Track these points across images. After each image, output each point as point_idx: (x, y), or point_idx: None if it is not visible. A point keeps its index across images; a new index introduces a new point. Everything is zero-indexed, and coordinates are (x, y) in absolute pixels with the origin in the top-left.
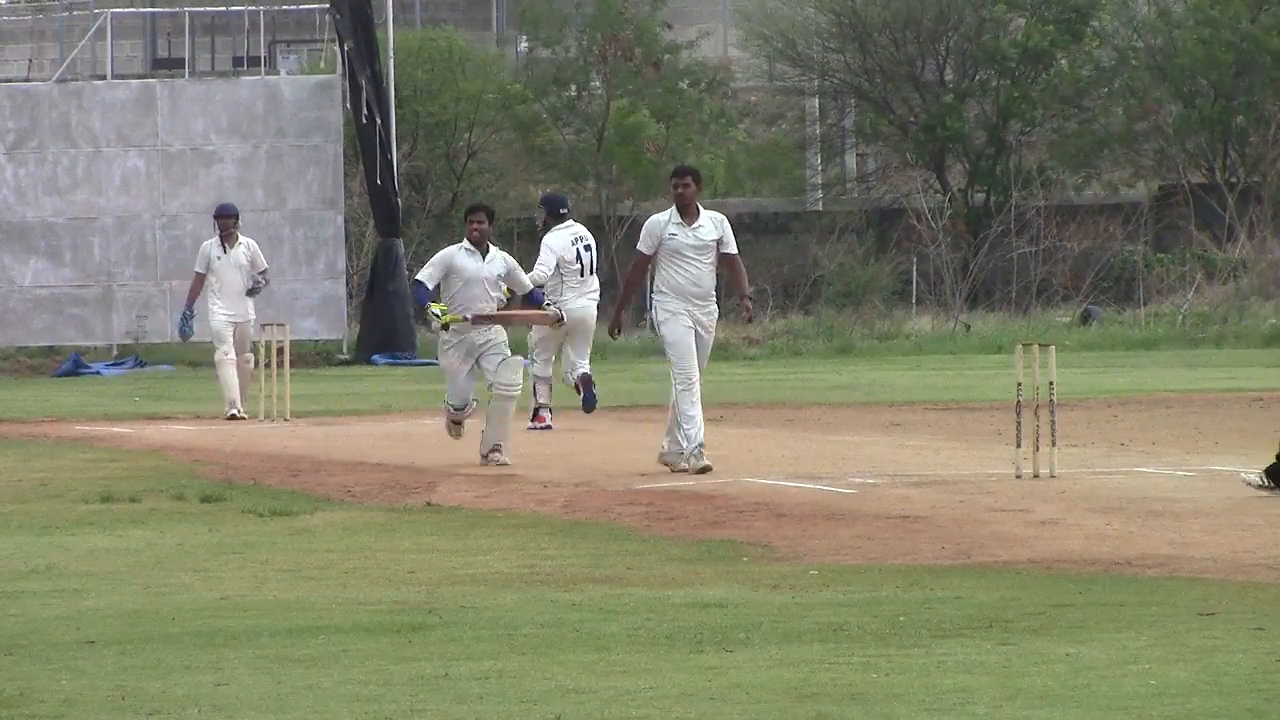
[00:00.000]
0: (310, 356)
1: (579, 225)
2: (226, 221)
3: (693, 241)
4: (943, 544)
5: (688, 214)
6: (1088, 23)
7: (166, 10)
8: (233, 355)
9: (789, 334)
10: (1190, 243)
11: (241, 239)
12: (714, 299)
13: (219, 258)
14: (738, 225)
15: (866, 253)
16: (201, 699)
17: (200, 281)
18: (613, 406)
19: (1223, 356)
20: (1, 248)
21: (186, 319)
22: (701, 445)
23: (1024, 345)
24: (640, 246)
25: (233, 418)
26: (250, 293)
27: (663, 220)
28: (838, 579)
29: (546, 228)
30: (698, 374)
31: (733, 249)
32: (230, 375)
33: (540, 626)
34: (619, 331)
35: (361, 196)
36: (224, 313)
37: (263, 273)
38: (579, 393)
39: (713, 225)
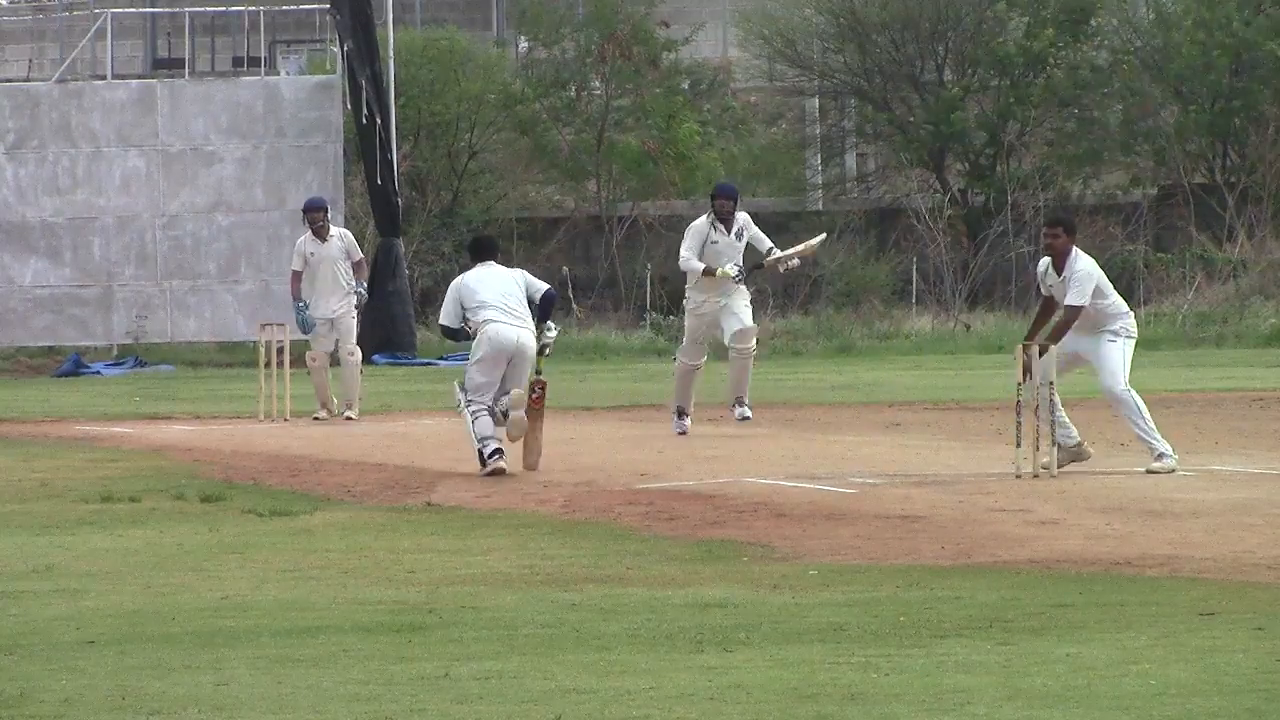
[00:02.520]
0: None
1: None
2: (316, 215)
3: None
4: (943, 544)
5: None
6: (1087, 21)
7: (166, 10)
8: (325, 359)
9: (789, 334)
10: (1190, 243)
11: (334, 230)
12: None
13: (313, 253)
14: None
15: (867, 253)
16: (201, 699)
17: (298, 279)
18: (613, 406)
19: (1223, 356)
20: (1, 248)
21: (301, 311)
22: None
23: (1024, 345)
24: None
25: (318, 419)
26: (356, 305)
27: None
28: (838, 579)
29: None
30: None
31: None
32: (322, 379)
33: (540, 626)
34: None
35: (361, 196)
36: (319, 312)
37: (357, 264)
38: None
39: None
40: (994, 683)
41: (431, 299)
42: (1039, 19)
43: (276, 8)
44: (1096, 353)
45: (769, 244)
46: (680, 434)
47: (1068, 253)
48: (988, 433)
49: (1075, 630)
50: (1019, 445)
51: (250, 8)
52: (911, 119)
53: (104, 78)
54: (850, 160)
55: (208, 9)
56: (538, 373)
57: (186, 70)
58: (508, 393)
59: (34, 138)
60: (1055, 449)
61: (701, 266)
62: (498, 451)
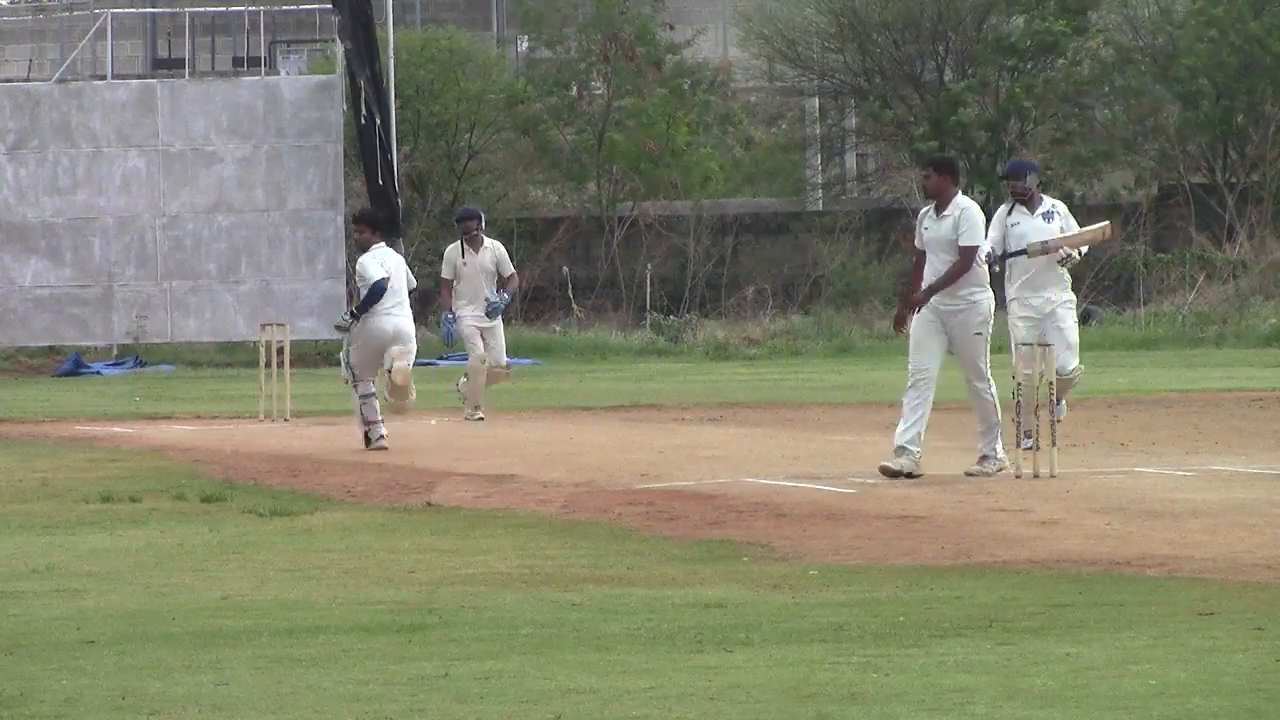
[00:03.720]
0: (310, 356)
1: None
2: (469, 224)
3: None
4: (943, 544)
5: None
6: (1085, 13)
7: (166, 10)
8: (488, 363)
9: (789, 334)
10: (1190, 243)
11: (487, 241)
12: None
13: (464, 263)
14: (738, 225)
15: (867, 253)
16: (201, 699)
17: (449, 289)
18: (613, 406)
19: (1223, 356)
20: (1, 248)
21: (449, 322)
22: (901, 448)
23: (1024, 345)
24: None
25: (468, 420)
26: (489, 313)
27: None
28: (838, 579)
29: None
30: (927, 373)
31: (967, 241)
32: (480, 382)
33: (540, 626)
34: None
35: (362, 196)
36: (472, 320)
37: (508, 280)
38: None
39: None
40: (994, 683)
41: (431, 299)
42: (1042, 15)
43: (276, 8)
44: (964, 341)
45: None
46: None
47: (950, 196)
48: None
49: (1075, 630)
50: (1019, 445)
51: (250, 8)
52: (912, 118)
53: (104, 78)
54: (850, 160)
55: (208, 9)
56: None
57: (186, 70)
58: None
59: (34, 138)
60: (1054, 449)
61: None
62: (382, 436)
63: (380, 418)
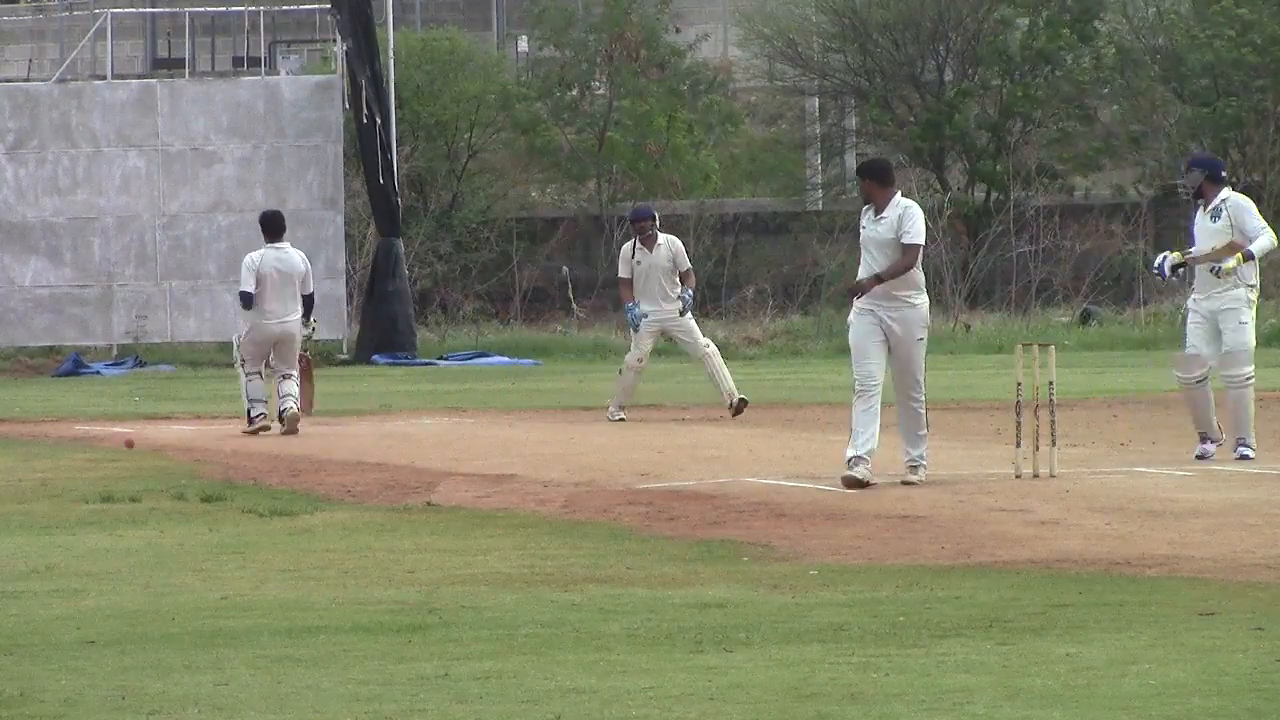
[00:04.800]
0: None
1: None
2: (644, 224)
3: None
4: (943, 544)
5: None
6: (1092, 21)
7: (166, 10)
8: (644, 363)
9: (789, 334)
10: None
11: (661, 238)
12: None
13: (639, 261)
14: (738, 225)
15: None
16: (201, 699)
17: (627, 285)
18: None
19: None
20: (1, 248)
21: (631, 309)
22: (858, 457)
23: (1024, 345)
24: None
25: (610, 420)
26: (681, 312)
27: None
28: (838, 579)
29: None
30: (874, 380)
31: (911, 239)
32: (631, 380)
33: (540, 626)
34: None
35: (361, 196)
36: (653, 316)
37: (685, 273)
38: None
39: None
40: (994, 683)
41: (431, 300)
42: (1047, 20)
43: (276, 8)
44: (906, 347)
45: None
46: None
47: (889, 197)
48: (988, 433)
49: (1075, 630)
50: (1019, 445)
51: (250, 8)
52: (912, 119)
53: (104, 78)
54: (850, 160)
55: (208, 9)
56: (305, 351)
57: (186, 70)
58: (287, 376)
59: (34, 138)
60: (1054, 449)
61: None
62: (263, 414)
63: (264, 397)
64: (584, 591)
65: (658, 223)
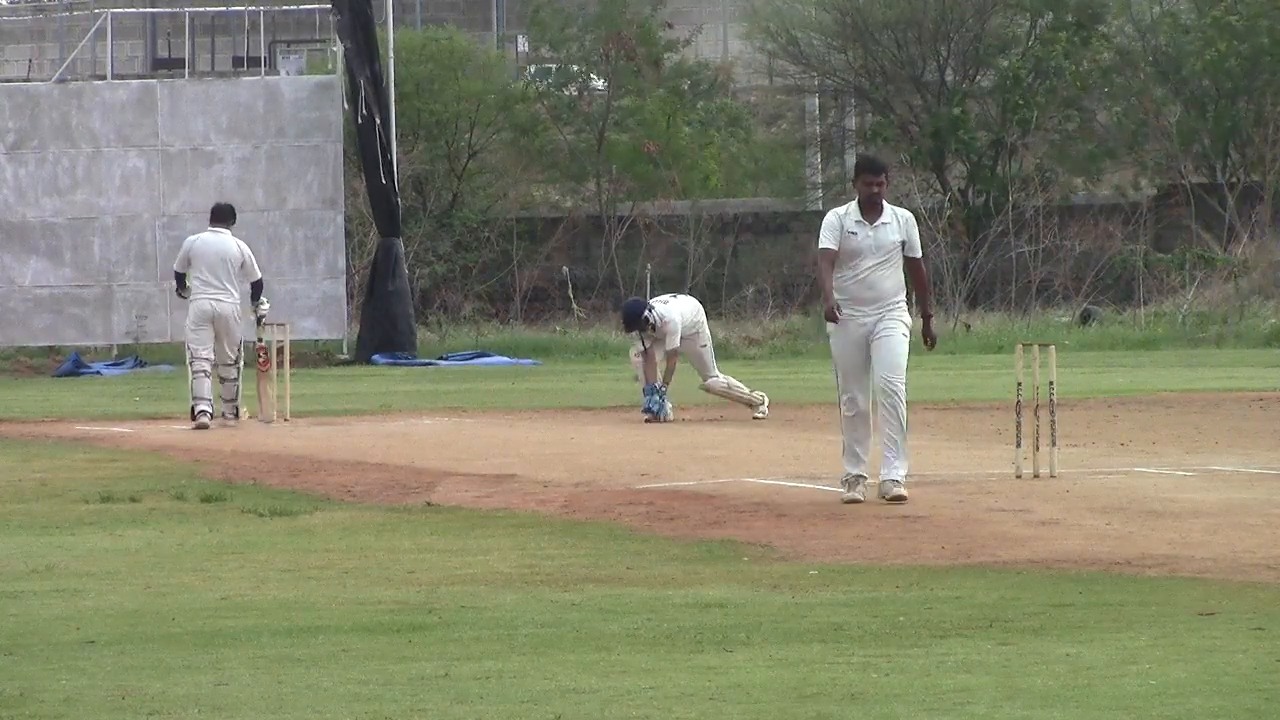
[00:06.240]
0: (310, 356)
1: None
2: (635, 325)
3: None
4: (943, 544)
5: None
6: (1095, 26)
7: (166, 10)
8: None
9: (789, 334)
10: (1191, 243)
11: (656, 319)
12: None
13: (645, 347)
14: (738, 225)
15: None
16: (201, 699)
17: (648, 367)
18: (613, 406)
19: (1223, 356)
20: (1, 248)
21: (648, 390)
22: (858, 476)
23: (1024, 345)
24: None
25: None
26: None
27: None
28: (838, 579)
29: None
30: (859, 404)
31: (920, 253)
32: (652, 364)
33: (540, 626)
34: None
35: (361, 196)
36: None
37: (671, 354)
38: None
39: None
40: (994, 683)
41: (431, 300)
42: (1047, 28)
43: (276, 8)
44: (885, 340)
45: None
46: None
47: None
48: (988, 433)
49: (1075, 630)
50: (1019, 445)
51: (250, 8)
52: (913, 121)
53: (104, 78)
54: (850, 160)
55: (208, 9)
56: (260, 340)
57: (186, 70)
58: (225, 379)
59: (34, 138)
60: (1054, 449)
61: None
62: (205, 412)
63: (208, 395)
64: (584, 591)
65: (653, 321)
